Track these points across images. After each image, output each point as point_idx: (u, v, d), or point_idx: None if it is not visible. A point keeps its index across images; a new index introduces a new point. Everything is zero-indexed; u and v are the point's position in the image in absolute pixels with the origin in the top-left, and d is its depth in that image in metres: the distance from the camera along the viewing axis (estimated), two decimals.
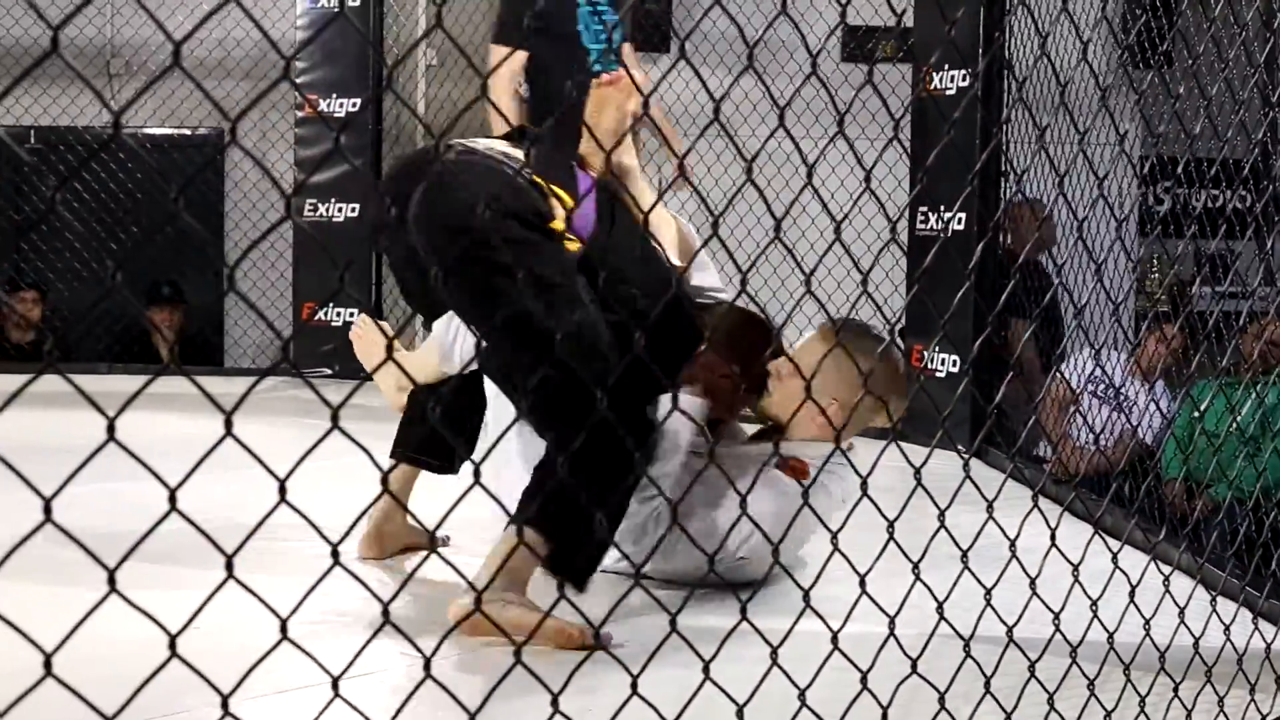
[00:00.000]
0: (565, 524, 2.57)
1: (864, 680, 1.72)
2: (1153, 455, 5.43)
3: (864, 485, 1.67)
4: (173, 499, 1.04)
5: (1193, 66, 2.36)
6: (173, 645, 1.06)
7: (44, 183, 8.56)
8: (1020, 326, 5.77)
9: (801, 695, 1.60)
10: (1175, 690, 2.21)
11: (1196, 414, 4.94)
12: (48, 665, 1.00)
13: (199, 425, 1.04)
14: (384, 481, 1.18)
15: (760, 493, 2.82)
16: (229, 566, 1.05)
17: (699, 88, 1.63)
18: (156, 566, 2.78)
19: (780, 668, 1.55)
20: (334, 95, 7.29)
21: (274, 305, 8.20)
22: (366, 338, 3.45)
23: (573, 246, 2.78)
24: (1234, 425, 2.47)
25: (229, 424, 1.02)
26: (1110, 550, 2.04)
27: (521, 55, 5.42)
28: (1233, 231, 3.12)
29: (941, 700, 1.83)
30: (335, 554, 1.07)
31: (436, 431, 3.25)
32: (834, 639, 1.64)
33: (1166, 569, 2.30)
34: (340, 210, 7.28)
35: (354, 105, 7.35)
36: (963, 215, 5.79)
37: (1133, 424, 5.60)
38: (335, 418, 1.05)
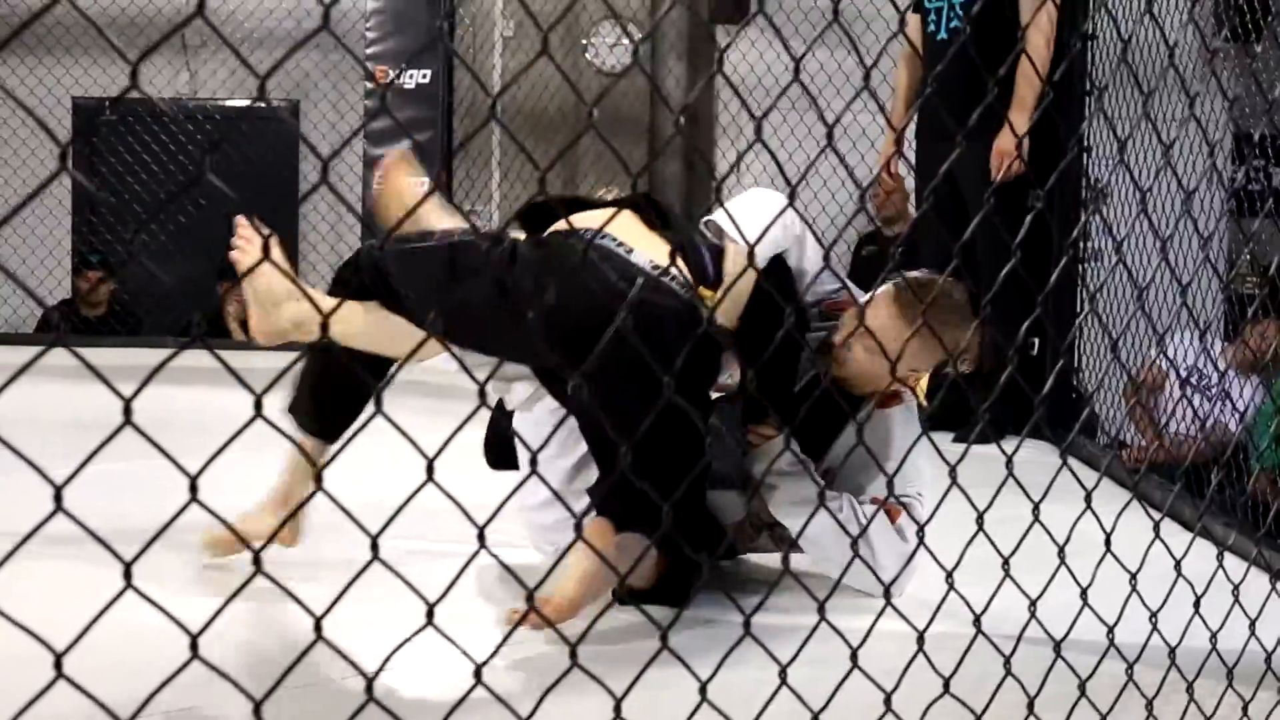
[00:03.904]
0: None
1: (946, 685, 1.60)
2: (1241, 448, 5.25)
3: (953, 474, 1.55)
4: (195, 486, 0.94)
5: None
6: (194, 646, 0.97)
7: (114, 155, 8.56)
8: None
9: (887, 700, 1.49)
10: None
11: None
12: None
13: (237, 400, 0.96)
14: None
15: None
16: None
17: (773, 58, 1.51)
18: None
19: (862, 670, 1.44)
20: (404, 66, 7.20)
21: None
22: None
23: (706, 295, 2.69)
24: None
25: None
26: (1217, 548, 1.91)
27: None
28: None
29: (1031, 706, 1.71)
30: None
31: (336, 400, 2.80)
32: (919, 640, 1.53)
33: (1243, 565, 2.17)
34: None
35: (424, 76, 7.25)
36: (1041, 193, 5.61)
37: (1224, 415, 5.45)
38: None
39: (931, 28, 5.40)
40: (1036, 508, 1.64)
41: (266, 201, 8.82)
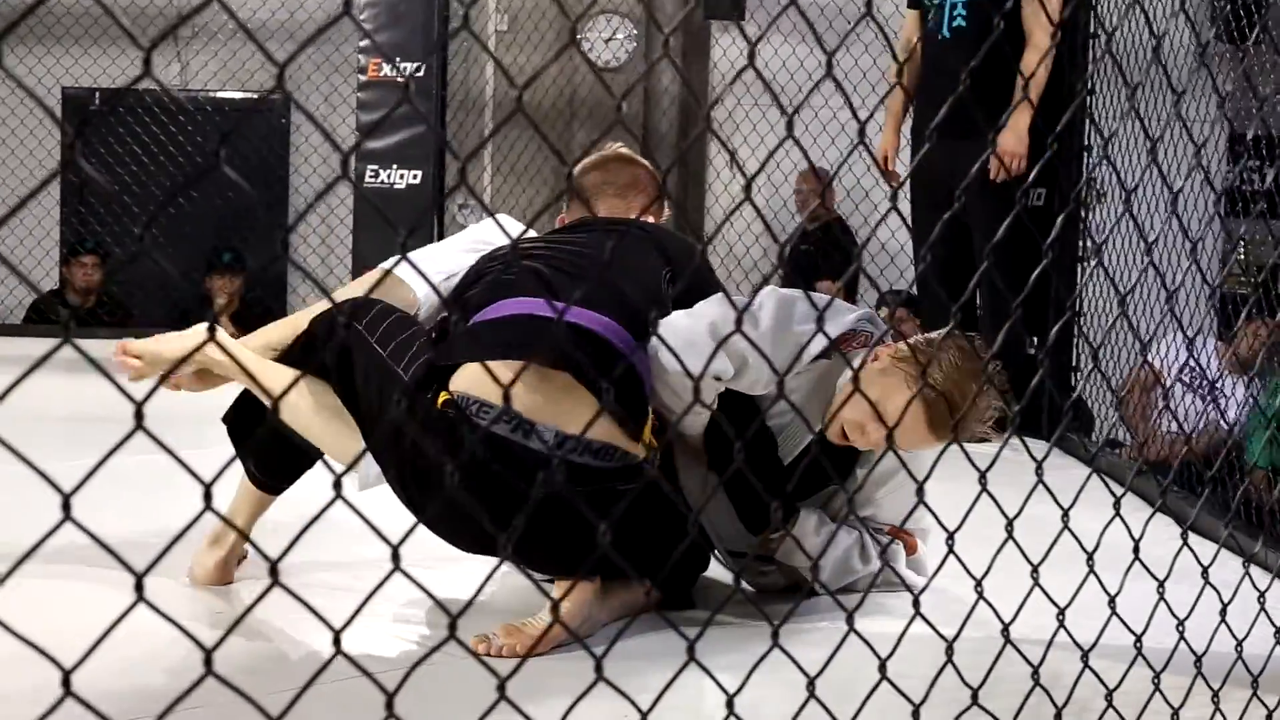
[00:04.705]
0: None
1: (975, 697, 1.56)
2: (1239, 447, 5.20)
3: (983, 480, 1.50)
4: (210, 495, 0.89)
5: None
6: (208, 662, 0.92)
7: (104, 145, 8.48)
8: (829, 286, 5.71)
9: (915, 712, 1.44)
10: None
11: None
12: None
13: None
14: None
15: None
16: (139, 588, 0.88)
17: (769, 55, 1.46)
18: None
19: (892, 683, 1.39)
20: (398, 59, 7.15)
21: (333, 273, 8.10)
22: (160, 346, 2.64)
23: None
24: None
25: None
26: (1240, 556, 1.87)
27: None
28: None
29: (1058, 716, 1.67)
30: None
31: (276, 446, 2.62)
32: (949, 650, 1.48)
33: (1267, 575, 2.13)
34: (401, 176, 7.14)
35: (419, 69, 7.19)
36: (1043, 190, 5.58)
37: (1220, 415, 5.41)
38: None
39: (931, 25, 5.33)
40: (1066, 515, 1.60)
41: (256, 193, 8.76)
